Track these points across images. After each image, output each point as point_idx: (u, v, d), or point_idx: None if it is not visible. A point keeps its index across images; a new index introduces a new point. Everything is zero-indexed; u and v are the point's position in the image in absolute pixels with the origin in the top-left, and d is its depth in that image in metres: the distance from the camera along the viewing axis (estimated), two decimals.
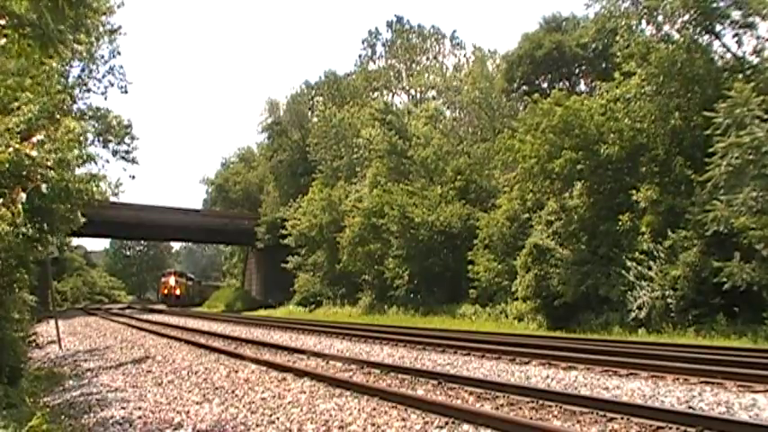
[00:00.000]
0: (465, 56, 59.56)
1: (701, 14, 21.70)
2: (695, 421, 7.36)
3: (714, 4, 21.51)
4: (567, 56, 38.08)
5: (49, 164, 10.03)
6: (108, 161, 29.92)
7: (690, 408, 8.55)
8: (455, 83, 54.43)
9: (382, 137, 43.30)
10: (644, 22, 23.76)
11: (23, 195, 8.62)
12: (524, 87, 38.78)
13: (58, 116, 13.81)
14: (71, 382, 13.93)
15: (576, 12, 40.78)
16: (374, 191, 39.55)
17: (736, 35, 22.20)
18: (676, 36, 22.85)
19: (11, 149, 7.20)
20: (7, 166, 6.91)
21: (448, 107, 55.10)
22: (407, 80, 60.27)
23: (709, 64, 22.39)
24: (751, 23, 21.51)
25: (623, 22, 24.18)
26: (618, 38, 24.53)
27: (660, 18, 23.17)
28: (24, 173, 9.91)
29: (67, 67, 23.22)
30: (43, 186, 10.47)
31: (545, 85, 40.30)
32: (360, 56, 65.93)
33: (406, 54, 60.30)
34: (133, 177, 26.24)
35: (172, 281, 79.27)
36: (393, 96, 58.50)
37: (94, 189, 14.52)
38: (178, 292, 78.44)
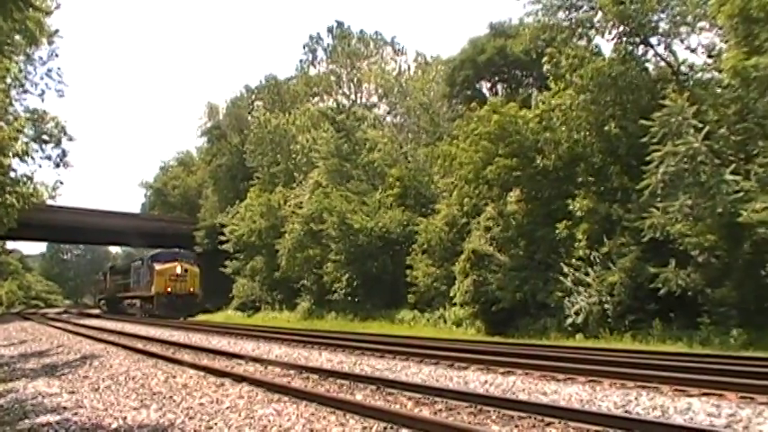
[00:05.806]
0: (406, 61, 59.81)
1: (635, 26, 22.08)
2: (631, 425, 7.37)
3: (646, 18, 21.90)
4: (510, 60, 38.36)
5: None
6: (40, 166, 29.05)
7: (626, 412, 8.58)
8: (396, 89, 54.56)
9: (329, 137, 42.99)
10: (576, 35, 23.99)
11: None
12: (466, 92, 38.95)
13: None
14: (5, 387, 13.47)
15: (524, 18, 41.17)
16: (314, 196, 39.32)
17: (667, 46, 22.71)
18: (609, 48, 23.28)
19: None
20: None
21: (389, 112, 55.16)
22: (348, 85, 60.21)
23: (644, 74, 22.80)
24: (680, 34, 22.04)
25: (556, 36, 24.34)
26: (547, 53, 24.55)
27: (593, 31, 23.55)
28: None
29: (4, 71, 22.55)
30: None
31: (487, 89, 40.63)
32: (301, 60, 65.69)
33: (347, 59, 60.24)
34: (62, 183, 25.40)
35: (179, 270, 47.88)
36: (333, 102, 58.34)
37: (30, 190, 14.14)
38: (192, 289, 48.57)
